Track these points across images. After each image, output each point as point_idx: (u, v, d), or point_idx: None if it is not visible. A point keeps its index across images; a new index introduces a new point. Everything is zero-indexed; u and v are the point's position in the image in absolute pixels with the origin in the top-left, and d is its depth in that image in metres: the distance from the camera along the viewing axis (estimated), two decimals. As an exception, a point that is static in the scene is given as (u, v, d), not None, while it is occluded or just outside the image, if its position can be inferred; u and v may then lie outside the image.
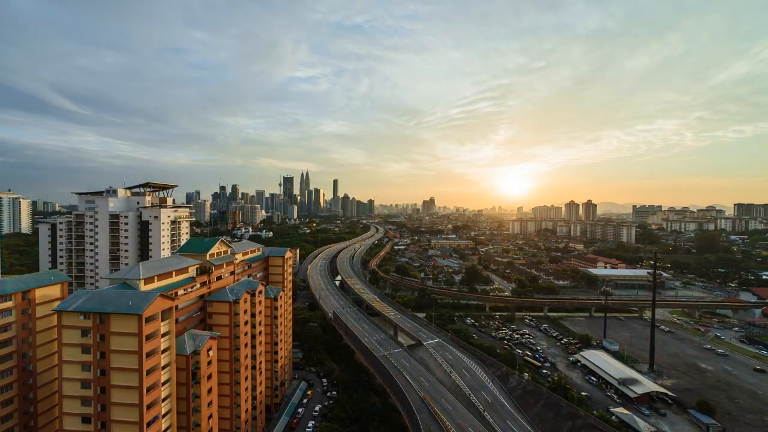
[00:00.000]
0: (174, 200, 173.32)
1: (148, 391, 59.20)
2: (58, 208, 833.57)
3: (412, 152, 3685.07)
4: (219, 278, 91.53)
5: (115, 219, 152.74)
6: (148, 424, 59.06)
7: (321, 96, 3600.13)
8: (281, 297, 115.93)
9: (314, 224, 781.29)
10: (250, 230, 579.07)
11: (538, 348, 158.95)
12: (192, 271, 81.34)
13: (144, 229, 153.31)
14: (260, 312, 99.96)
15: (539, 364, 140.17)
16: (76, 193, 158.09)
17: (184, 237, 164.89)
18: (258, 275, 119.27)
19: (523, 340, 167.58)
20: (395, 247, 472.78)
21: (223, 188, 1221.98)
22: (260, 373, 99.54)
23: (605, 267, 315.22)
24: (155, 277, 69.07)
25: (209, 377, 73.13)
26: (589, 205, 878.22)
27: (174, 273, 75.16)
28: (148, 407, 59.39)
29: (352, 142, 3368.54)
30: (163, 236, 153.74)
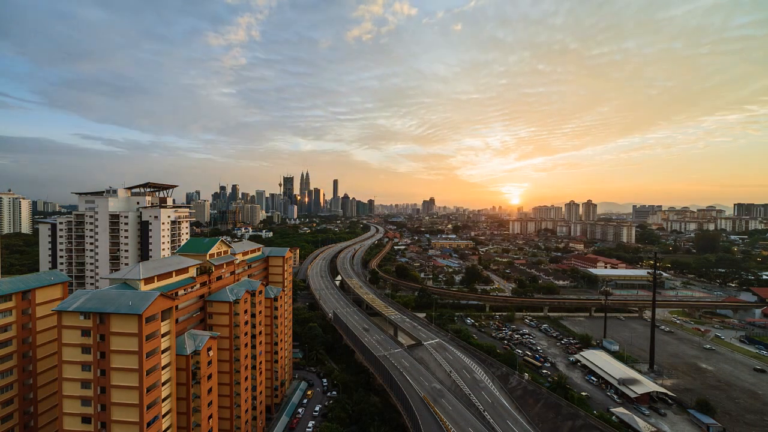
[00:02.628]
0: (174, 200, 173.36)
1: (148, 391, 59.17)
2: (58, 208, 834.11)
3: (428, 158, 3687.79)
4: (219, 278, 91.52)
5: (115, 219, 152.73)
6: (148, 424, 59.05)
7: (368, 122, 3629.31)
8: (281, 297, 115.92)
9: (314, 224, 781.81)
10: (250, 230, 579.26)
11: (538, 348, 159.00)
12: (192, 271, 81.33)
13: (144, 229, 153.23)
14: (260, 312, 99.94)
15: (539, 364, 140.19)
16: (76, 193, 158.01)
17: (184, 237, 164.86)
18: (258, 275, 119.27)
19: (523, 340, 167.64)
20: (395, 248, 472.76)
21: (223, 188, 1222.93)
22: (260, 373, 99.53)
23: (605, 267, 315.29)
24: (155, 278, 69.04)
25: (209, 377, 73.09)
26: (589, 205, 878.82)
27: (174, 273, 75.13)
28: (148, 407, 59.38)
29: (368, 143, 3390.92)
30: (163, 236, 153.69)
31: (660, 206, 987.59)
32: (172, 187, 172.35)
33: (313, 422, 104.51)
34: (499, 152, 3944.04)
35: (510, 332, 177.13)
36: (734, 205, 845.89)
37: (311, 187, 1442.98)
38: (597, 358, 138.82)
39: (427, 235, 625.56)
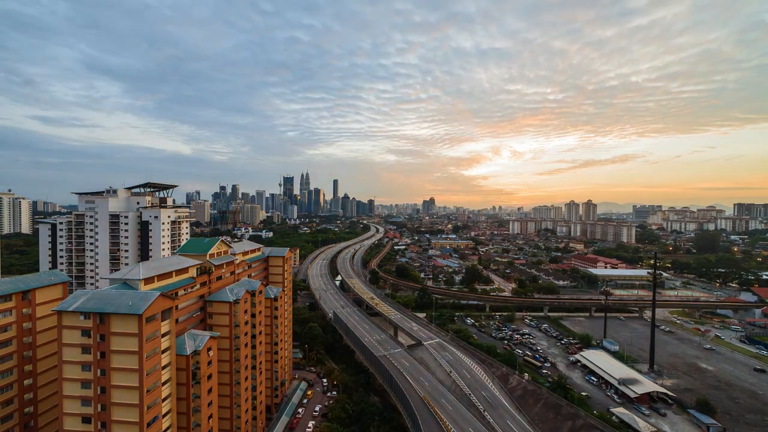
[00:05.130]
0: (174, 200, 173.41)
1: (148, 391, 59.16)
2: (58, 209, 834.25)
3: (435, 159, 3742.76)
4: (219, 278, 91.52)
5: (115, 219, 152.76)
6: (149, 425, 59.03)
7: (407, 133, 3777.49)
8: (281, 297, 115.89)
9: (314, 224, 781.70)
10: (250, 230, 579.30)
11: (538, 348, 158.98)
12: (192, 272, 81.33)
13: (144, 229, 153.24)
14: (260, 312, 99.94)
15: (539, 364, 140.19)
16: (76, 193, 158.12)
17: (184, 237, 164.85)
18: (258, 275, 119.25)
19: (524, 340, 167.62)
20: (395, 248, 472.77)
21: (223, 188, 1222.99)
22: (260, 373, 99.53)
23: (605, 267, 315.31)
24: (155, 278, 69.04)
25: (209, 377, 73.10)
26: (589, 205, 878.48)
27: (174, 273, 75.12)
28: (149, 407, 59.37)
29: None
30: (163, 236, 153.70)
31: (660, 206, 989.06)
32: (172, 187, 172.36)
33: (313, 422, 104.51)
34: (503, 156, 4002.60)
35: (510, 332, 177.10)
36: (734, 205, 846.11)
37: (311, 187, 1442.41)
38: (597, 358, 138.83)
39: (427, 235, 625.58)
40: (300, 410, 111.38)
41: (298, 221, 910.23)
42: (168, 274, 73.12)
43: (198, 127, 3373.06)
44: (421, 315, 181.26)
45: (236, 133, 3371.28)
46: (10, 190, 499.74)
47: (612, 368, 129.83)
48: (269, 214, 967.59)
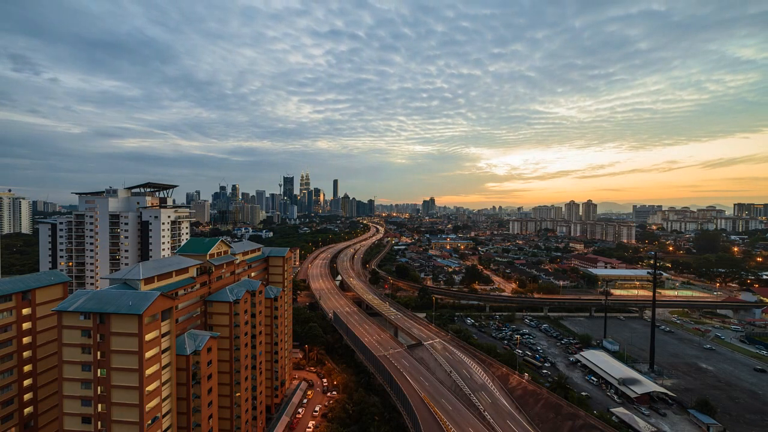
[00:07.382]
0: (174, 200, 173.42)
1: (148, 391, 59.18)
2: (58, 209, 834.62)
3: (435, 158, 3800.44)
4: (219, 278, 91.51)
5: (115, 219, 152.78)
6: (149, 425, 59.06)
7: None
8: (281, 297, 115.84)
9: (314, 224, 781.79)
10: (251, 230, 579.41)
11: (539, 348, 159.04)
12: (192, 272, 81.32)
13: (144, 230, 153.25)
14: (260, 312, 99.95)
15: (539, 364, 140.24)
16: (76, 194, 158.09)
17: (184, 237, 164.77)
18: (258, 275, 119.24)
19: (524, 340, 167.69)
20: (395, 248, 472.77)
21: (223, 188, 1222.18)
22: (260, 373, 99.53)
23: (605, 267, 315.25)
24: (155, 278, 69.03)
25: (209, 377, 73.10)
26: (589, 205, 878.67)
27: (174, 273, 75.11)
28: (149, 407, 59.39)
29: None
30: (163, 236, 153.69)
31: (660, 206, 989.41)
32: (172, 187, 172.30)
33: (313, 422, 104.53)
34: (505, 160, 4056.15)
35: (510, 332, 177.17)
36: (734, 205, 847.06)
37: (311, 187, 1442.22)
38: (597, 358, 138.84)
39: (427, 235, 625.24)
40: (300, 410, 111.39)
41: (298, 221, 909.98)
42: (168, 274, 73.11)
43: (230, 136, 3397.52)
44: (421, 315, 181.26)
45: (262, 138, 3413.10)
46: (10, 190, 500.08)
47: (612, 368, 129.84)
48: (269, 214, 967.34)
